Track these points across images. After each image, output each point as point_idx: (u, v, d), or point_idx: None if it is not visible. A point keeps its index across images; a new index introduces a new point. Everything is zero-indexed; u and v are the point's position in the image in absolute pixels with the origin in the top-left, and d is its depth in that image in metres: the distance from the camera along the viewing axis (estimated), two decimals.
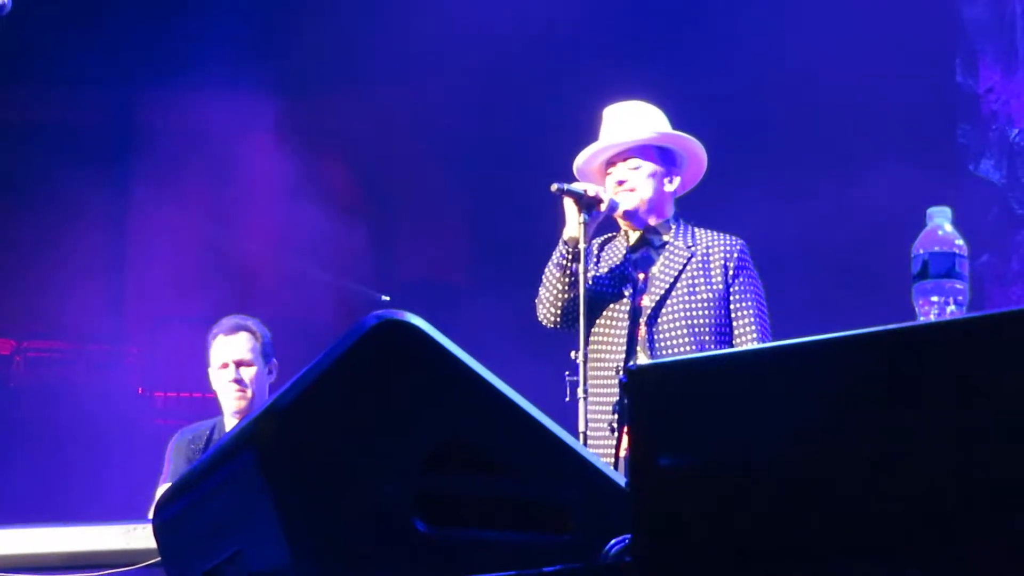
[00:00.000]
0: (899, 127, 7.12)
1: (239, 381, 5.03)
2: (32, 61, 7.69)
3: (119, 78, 7.98)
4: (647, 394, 1.73)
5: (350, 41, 7.27)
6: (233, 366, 5.04)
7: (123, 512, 5.24)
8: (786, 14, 7.19)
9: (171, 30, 7.57)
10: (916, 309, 2.22)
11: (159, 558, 2.77)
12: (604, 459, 4.05)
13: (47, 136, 7.93)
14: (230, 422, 5.07)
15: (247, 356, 5.05)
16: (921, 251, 2.21)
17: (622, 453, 4.21)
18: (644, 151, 4.51)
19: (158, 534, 2.64)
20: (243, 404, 5.02)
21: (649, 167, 4.49)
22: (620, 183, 4.47)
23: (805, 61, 7.05)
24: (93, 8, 7.74)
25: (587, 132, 4.63)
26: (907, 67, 7.12)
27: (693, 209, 4.68)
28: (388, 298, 7.44)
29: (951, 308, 2.16)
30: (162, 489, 4.86)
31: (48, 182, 7.56)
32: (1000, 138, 7.42)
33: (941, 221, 2.23)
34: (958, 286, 2.18)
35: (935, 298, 2.17)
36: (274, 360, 5.13)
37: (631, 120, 4.53)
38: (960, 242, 2.23)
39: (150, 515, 4.34)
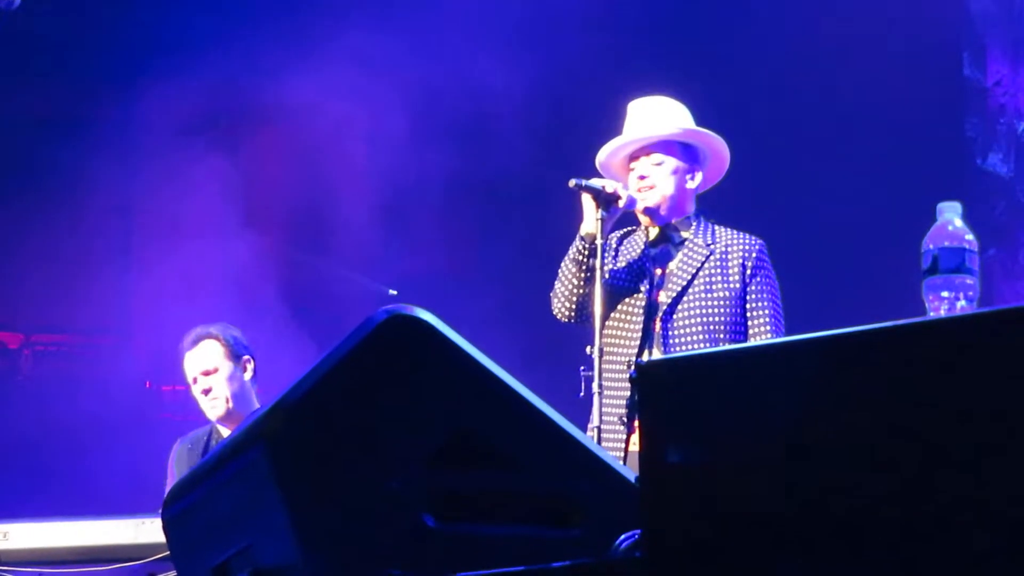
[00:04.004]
0: (906, 120, 7.11)
1: (208, 391, 5.07)
2: (42, 55, 7.69)
3: (127, 71, 7.98)
4: (657, 389, 1.73)
5: (362, 34, 7.26)
6: (201, 378, 5.08)
7: (131, 506, 5.25)
8: (793, 8, 7.17)
9: (179, 21, 7.57)
10: (926, 304, 2.22)
11: (168, 552, 2.78)
12: (615, 454, 4.06)
13: (55, 129, 7.93)
14: (223, 428, 5.10)
15: (211, 364, 5.09)
16: (931, 246, 2.21)
17: (632, 448, 4.21)
18: (667, 147, 4.50)
19: (167, 528, 2.65)
20: (220, 411, 5.06)
21: (672, 164, 4.49)
22: (642, 178, 4.47)
23: (812, 55, 7.04)
24: (101, 1, 7.74)
25: (603, 126, 4.63)
26: (914, 60, 7.11)
27: (703, 203, 4.68)
28: (396, 292, 7.44)
29: (961, 303, 2.16)
30: None
31: (56, 176, 7.56)
32: (1008, 131, 7.41)
33: (951, 216, 2.22)
34: (968, 281, 2.18)
35: (945, 293, 2.17)
36: (246, 356, 5.14)
37: (655, 115, 4.52)
38: (970, 237, 2.22)
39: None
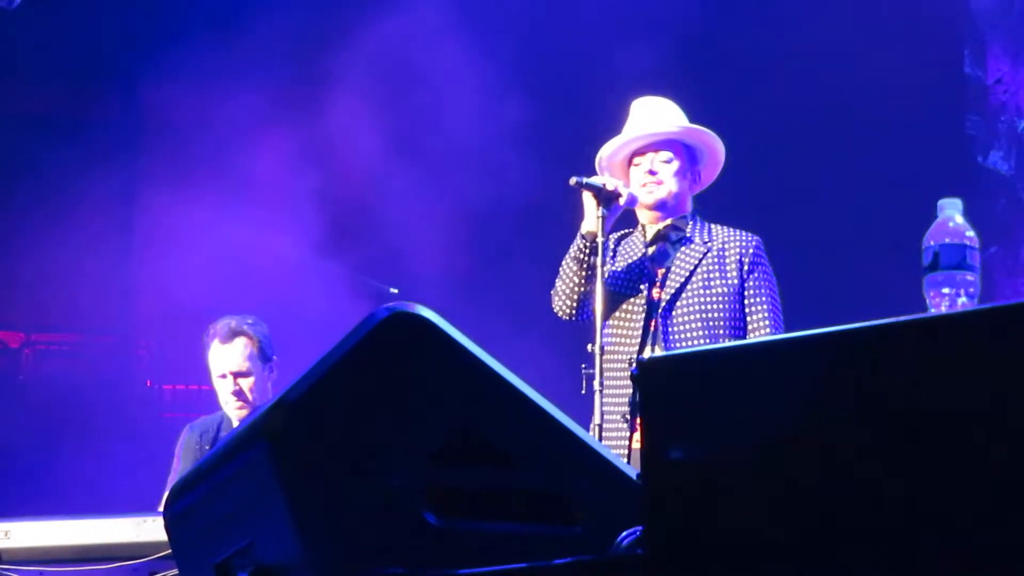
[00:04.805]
0: (907, 118, 7.11)
1: (239, 393, 4.99)
2: (41, 54, 7.69)
3: (127, 70, 7.99)
4: (658, 386, 1.73)
5: (343, 38, 7.26)
6: (231, 378, 4.99)
7: (132, 505, 5.25)
8: (793, 6, 7.17)
9: (177, 20, 7.57)
10: (927, 301, 2.22)
11: (170, 550, 2.78)
12: (618, 452, 4.06)
13: (56, 129, 7.93)
14: (235, 421, 5.05)
15: (244, 366, 5.00)
16: (932, 243, 2.21)
17: (635, 445, 4.22)
18: (674, 145, 4.52)
19: (169, 526, 2.65)
20: (244, 413, 4.98)
21: (678, 161, 4.51)
22: (651, 173, 4.48)
23: (813, 52, 7.04)
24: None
25: (602, 124, 4.63)
26: (915, 58, 7.11)
27: (703, 201, 4.69)
28: (396, 290, 7.44)
29: (962, 299, 2.16)
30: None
31: (57, 174, 7.56)
32: (1008, 129, 7.41)
33: (952, 213, 2.23)
34: (969, 277, 2.18)
35: (946, 290, 2.17)
36: (274, 358, 5.08)
37: (661, 114, 4.54)
38: (971, 234, 2.23)
39: (161, 508, 4.35)
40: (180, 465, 5.06)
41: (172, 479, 5.00)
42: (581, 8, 7.37)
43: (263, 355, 5.03)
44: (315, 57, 7.34)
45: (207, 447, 5.00)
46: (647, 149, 4.52)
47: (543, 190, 6.59)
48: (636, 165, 4.53)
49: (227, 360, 5.01)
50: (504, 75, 7.10)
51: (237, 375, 4.99)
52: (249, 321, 5.08)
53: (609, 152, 4.56)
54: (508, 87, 7.09)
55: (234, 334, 5.02)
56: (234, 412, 5.01)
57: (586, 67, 7.27)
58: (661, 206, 4.49)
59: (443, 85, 7.19)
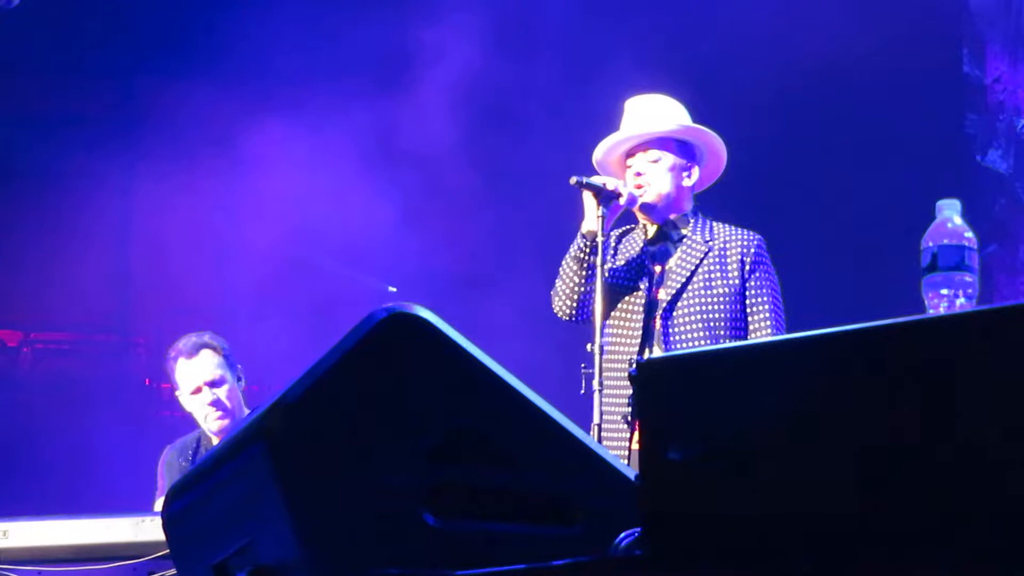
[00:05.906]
0: (905, 117, 7.11)
1: (216, 403, 4.93)
2: (39, 52, 7.69)
3: (127, 67, 7.98)
4: (656, 387, 1.73)
5: (351, 31, 7.26)
6: (207, 389, 4.94)
7: (130, 504, 5.24)
8: (791, 5, 7.17)
9: (177, 18, 7.56)
10: (925, 302, 2.22)
11: (168, 550, 2.78)
12: (618, 452, 4.06)
13: (54, 126, 7.93)
14: (213, 438, 5.01)
15: (216, 374, 4.94)
16: (930, 244, 2.22)
17: (635, 447, 4.21)
18: (663, 143, 4.50)
19: (167, 526, 2.65)
20: (224, 423, 4.92)
21: (668, 160, 4.49)
22: (638, 175, 4.47)
23: (811, 51, 7.04)
24: None
25: (603, 125, 4.63)
26: (913, 57, 7.11)
27: (701, 199, 4.68)
28: (395, 289, 7.44)
29: (961, 301, 2.16)
30: (158, 505, 4.81)
31: (55, 173, 7.56)
32: (1007, 128, 7.41)
33: (950, 213, 2.23)
34: (968, 279, 2.19)
35: (945, 291, 2.17)
36: (239, 365, 5.04)
37: (652, 112, 4.52)
38: (969, 235, 2.23)
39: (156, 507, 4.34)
40: (164, 484, 5.04)
41: (158, 499, 4.97)
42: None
43: (229, 363, 4.99)
44: (313, 58, 7.33)
45: (188, 464, 4.96)
46: (636, 149, 4.51)
47: (542, 187, 6.58)
48: (628, 167, 4.52)
49: (197, 372, 4.95)
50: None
51: (212, 384, 4.93)
52: (207, 334, 5.05)
53: (601, 155, 4.55)
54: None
55: (198, 347, 4.97)
56: (214, 424, 4.94)
57: (584, 67, 7.26)
58: (651, 209, 4.48)
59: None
